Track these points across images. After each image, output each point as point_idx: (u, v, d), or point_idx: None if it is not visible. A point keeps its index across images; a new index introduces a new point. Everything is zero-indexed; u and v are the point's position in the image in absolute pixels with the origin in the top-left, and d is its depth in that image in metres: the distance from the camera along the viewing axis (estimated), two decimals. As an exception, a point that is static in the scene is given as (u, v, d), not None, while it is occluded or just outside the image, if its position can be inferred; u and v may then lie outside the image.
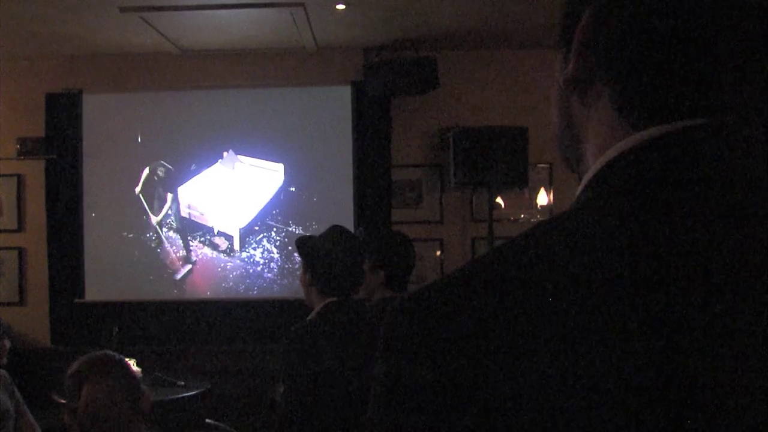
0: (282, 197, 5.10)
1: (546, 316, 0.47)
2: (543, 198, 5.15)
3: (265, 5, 4.15)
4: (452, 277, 0.53)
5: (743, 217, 0.49)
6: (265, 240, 5.10)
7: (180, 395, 4.14)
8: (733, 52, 0.53)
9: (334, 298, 2.42)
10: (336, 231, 2.52)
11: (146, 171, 5.16)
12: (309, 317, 2.45)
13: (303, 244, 2.53)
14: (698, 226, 0.49)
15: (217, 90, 5.16)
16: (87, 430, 1.71)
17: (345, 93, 5.09)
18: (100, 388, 1.74)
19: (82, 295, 5.12)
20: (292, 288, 4.72)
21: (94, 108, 5.18)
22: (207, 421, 3.42)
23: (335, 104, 5.11)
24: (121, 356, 1.83)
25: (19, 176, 5.20)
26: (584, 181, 0.57)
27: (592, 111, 0.59)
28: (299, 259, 2.62)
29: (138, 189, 5.16)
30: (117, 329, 4.61)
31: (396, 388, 0.50)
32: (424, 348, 0.49)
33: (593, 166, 0.56)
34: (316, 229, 2.75)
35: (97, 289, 5.13)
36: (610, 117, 0.57)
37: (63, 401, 3.88)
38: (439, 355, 0.49)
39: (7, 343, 3.31)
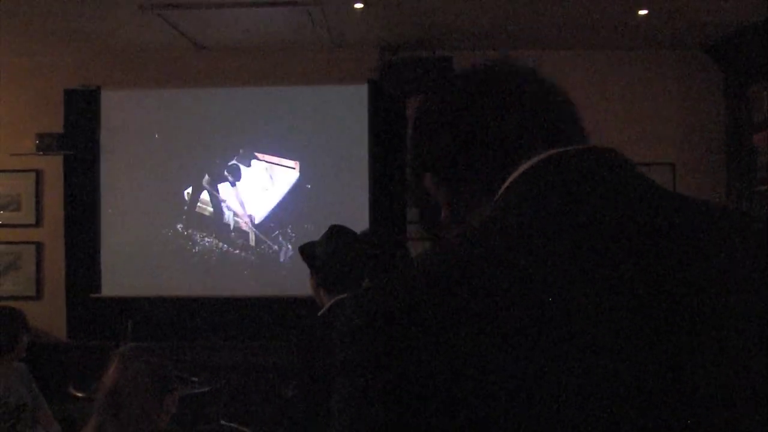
0: (297, 194, 5.12)
1: (496, 315, 0.56)
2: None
3: (283, 3, 4.16)
4: (397, 289, 0.61)
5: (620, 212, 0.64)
6: (280, 237, 5.11)
7: (194, 391, 4.16)
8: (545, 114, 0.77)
9: (342, 295, 2.47)
10: (334, 230, 2.58)
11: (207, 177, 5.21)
12: (319, 314, 2.51)
13: (304, 250, 2.61)
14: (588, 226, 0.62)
15: (234, 87, 5.18)
16: (105, 405, 1.73)
17: (361, 92, 5.09)
18: (128, 368, 1.77)
19: (98, 290, 5.16)
20: (307, 285, 4.72)
21: (112, 104, 5.22)
22: (221, 422, 3.44)
23: (352, 103, 5.11)
24: (165, 355, 1.87)
25: (37, 171, 5.25)
26: (501, 190, 0.72)
27: (467, 199, 0.79)
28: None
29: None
30: (132, 324, 4.65)
31: (359, 409, 0.58)
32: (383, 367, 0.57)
33: (510, 178, 0.72)
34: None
35: (113, 284, 5.16)
36: (482, 193, 0.77)
37: (78, 394, 3.92)
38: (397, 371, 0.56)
39: (26, 338, 3.34)
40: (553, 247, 0.59)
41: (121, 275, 5.16)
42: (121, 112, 5.22)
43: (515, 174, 0.71)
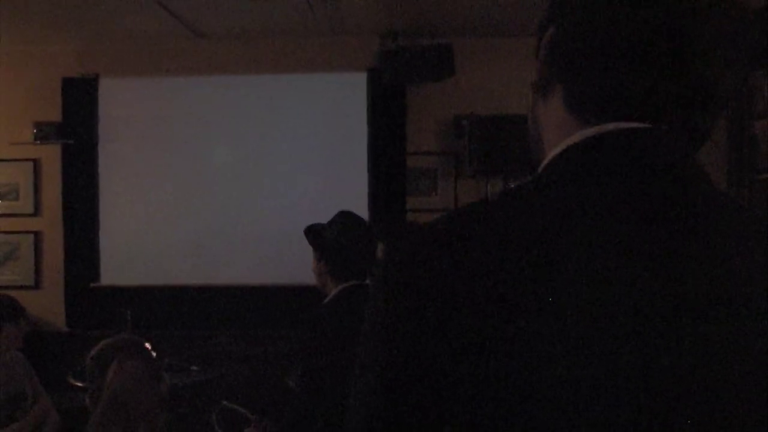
0: (296, 182, 5.09)
1: (513, 267, 0.57)
2: (558, 187, 5.10)
3: (282, -10, 4.13)
4: (438, 232, 0.62)
5: (655, 202, 0.60)
6: (279, 225, 5.09)
7: (193, 380, 4.16)
8: (668, 72, 0.64)
9: (349, 283, 2.42)
10: (344, 216, 2.52)
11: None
12: (325, 302, 2.46)
13: (312, 233, 2.53)
14: (619, 209, 0.60)
15: (232, 75, 5.15)
16: (110, 411, 1.73)
17: (361, 80, 5.07)
18: (126, 369, 1.76)
19: (97, 279, 5.15)
20: (307, 274, 4.71)
21: (111, 92, 5.19)
22: (223, 402, 3.44)
23: (351, 91, 5.09)
24: (143, 340, 1.85)
25: (35, 161, 5.23)
26: (541, 167, 0.70)
27: (550, 110, 0.73)
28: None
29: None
30: (130, 314, 4.64)
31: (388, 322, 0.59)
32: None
33: (550, 154, 0.69)
34: (331, 215, 2.79)
35: (112, 273, 5.15)
36: (562, 115, 0.70)
37: (78, 384, 3.91)
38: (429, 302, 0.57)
39: (24, 327, 3.33)
40: (578, 242, 0.58)
41: (120, 264, 5.15)
42: (119, 100, 5.19)
43: (558, 149, 0.67)
